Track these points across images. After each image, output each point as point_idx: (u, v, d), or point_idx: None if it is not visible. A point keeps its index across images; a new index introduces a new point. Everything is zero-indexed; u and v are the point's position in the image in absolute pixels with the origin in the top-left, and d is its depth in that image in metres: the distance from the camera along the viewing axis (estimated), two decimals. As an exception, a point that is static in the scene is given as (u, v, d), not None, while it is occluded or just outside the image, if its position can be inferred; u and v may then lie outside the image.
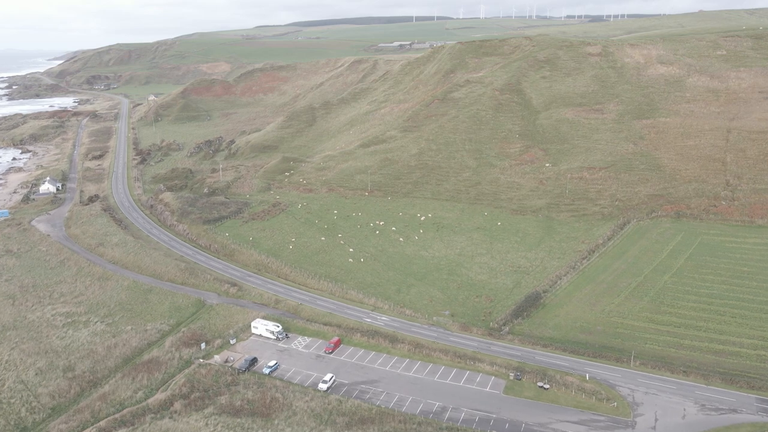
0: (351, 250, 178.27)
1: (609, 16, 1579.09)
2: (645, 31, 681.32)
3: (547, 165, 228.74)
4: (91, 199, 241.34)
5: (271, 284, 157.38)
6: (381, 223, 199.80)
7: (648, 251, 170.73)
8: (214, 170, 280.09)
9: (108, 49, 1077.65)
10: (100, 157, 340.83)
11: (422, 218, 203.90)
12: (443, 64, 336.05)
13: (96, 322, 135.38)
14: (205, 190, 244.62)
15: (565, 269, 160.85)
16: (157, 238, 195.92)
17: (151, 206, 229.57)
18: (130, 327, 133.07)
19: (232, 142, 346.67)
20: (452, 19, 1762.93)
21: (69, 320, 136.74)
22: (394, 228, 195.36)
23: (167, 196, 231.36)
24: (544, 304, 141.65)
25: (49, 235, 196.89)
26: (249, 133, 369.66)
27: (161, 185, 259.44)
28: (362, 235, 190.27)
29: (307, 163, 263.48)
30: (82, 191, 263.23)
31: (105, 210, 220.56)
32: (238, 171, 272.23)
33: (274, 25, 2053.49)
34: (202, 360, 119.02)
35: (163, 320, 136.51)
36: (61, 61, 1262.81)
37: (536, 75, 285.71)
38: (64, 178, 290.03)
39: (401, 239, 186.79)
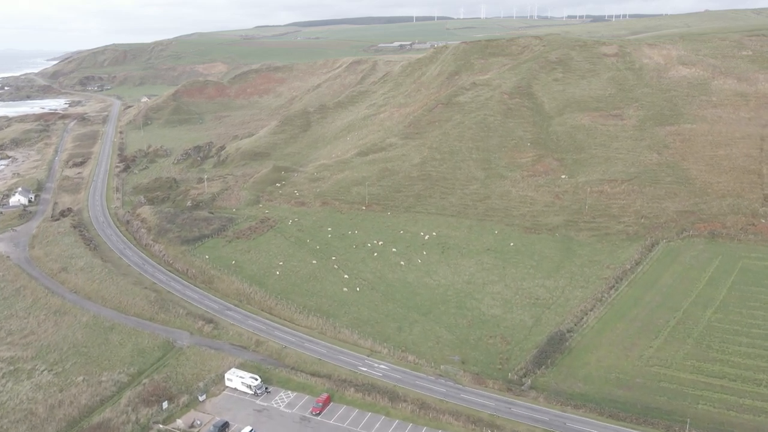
0: (346, 276, 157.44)
1: (611, 16, 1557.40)
2: (651, 31, 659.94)
3: (563, 177, 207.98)
4: (63, 214, 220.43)
5: (252, 320, 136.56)
6: (380, 243, 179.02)
7: (683, 279, 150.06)
8: (200, 180, 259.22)
9: (103, 50, 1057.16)
10: (81, 164, 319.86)
11: (426, 237, 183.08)
12: (447, 66, 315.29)
13: (42, 371, 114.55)
14: (188, 203, 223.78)
15: (590, 302, 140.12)
16: (129, 260, 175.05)
17: (128, 222, 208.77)
18: (81, 378, 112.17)
19: (222, 148, 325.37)
20: (453, 19, 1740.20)
21: (11, 368, 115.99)
22: (394, 249, 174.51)
23: (145, 211, 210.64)
24: (570, 347, 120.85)
25: (8, 257, 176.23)
26: (241, 138, 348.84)
27: (141, 197, 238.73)
28: (358, 258, 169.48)
29: (300, 172, 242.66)
30: (56, 203, 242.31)
31: (75, 227, 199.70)
32: (226, 181, 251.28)
33: (273, 25, 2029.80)
34: (161, 426, 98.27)
35: (123, 368, 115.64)
36: (57, 62, 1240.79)
37: (548, 77, 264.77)
38: (39, 188, 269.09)
39: (402, 263, 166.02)
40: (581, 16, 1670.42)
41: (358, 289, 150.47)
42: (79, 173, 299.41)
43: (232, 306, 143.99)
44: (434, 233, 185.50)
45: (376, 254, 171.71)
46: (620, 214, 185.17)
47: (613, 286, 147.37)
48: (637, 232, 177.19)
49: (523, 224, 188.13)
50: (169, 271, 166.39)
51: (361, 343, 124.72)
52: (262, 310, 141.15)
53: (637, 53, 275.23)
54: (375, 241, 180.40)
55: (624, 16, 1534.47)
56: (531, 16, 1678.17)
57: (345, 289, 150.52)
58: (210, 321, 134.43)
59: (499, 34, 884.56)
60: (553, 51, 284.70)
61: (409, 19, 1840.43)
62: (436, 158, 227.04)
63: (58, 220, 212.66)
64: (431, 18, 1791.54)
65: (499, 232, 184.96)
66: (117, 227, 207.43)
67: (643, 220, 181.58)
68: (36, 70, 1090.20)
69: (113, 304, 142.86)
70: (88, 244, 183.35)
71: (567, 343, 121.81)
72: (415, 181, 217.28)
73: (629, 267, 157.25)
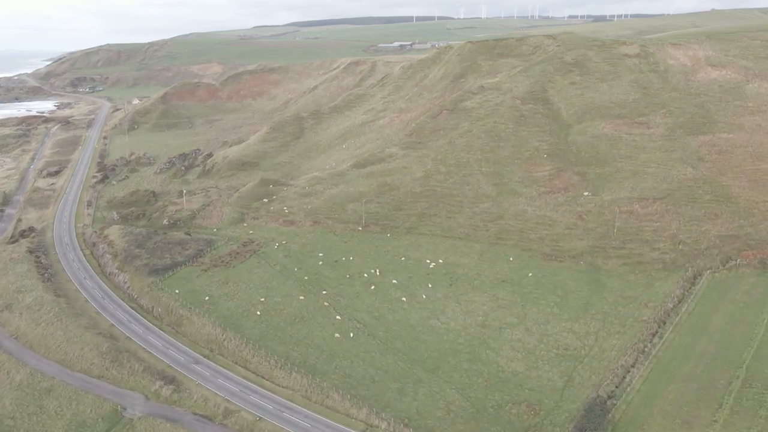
0: (338, 317, 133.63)
1: (612, 16, 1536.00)
2: (656, 31, 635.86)
3: (586, 194, 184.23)
4: (23, 234, 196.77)
5: (223, 378, 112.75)
6: (377, 273, 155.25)
7: (738, 322, 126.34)
8: (181, 193, 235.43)
9: (97, 50, 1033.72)
10: (56, 173, 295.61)
11: (431, 265, 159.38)
12: (451, 67, 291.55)
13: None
14: (165, 222, 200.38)
15: (632, 354, 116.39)
16: (88, 294, 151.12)
17: (94, 244, 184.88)
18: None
19: (210, 156, 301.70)
20: (453, 19, 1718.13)
21: None
22: (394, 281, 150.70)
23: (113, 232, 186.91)
24: (614, 421, 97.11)
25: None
26: (230, 145, 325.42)
27: (114, 213, 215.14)
28: (353, 292, 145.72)
29: (290, 186, 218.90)
30: (19, 220, 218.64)
31: (31, 251, 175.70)
32: (209, 195, 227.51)
33: (272, 25, 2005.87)
34: None
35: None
36: (51, 62, 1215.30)
37: (564, 80, 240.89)
38: (4, 202, 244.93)
39: (404, 299, 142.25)
40: (582, 16, 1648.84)
41: (351, 334, 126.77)
42: (52, 184, 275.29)
43: (201, 358, 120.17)
44: (440, 260, 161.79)
45: (373, 287, 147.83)
46: (654, 239, 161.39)
47: (656, 332, 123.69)
48: (675, 260, 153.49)
49: (542, 250, 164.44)
50: (132, 308, 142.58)
51: (354, 413, 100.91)
52: (237, 364, 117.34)
53: (660, 54, 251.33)
54: (372, 270, 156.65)
55: (626, 16, 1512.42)
56: (532, 16, 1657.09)
57: (337, 334, 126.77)
58: (171, 380, 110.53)
59: (501, 34, 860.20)
60: (568, 51, 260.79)
61: (409, 19, 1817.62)
62: (442, 171, 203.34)
63: (16, 242, 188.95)
64: (431, 18, 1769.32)
65: (515, 259, 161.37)
66: (82, 250, 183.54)
67: (680, 246, 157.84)
68: (30, 71, 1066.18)
69: (57, 355, 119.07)
70: (43, 274, 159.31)
71: (610, 415, 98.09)
72: (418, 197, 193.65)
73: (671, 306, 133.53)
